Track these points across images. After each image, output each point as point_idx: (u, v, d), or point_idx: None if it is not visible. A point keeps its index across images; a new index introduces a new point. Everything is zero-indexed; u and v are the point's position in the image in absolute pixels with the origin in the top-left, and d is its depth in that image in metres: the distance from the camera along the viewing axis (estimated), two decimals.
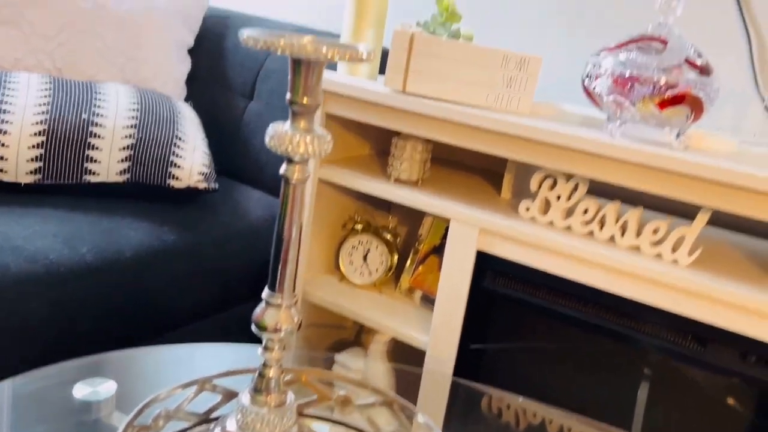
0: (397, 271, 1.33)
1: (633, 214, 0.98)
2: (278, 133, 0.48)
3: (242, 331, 1.22)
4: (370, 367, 1.24)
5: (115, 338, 1.00)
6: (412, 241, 1.35)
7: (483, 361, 1.14)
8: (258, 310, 0.53)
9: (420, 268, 1.30)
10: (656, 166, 0.88)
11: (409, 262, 1.32)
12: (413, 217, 1.42)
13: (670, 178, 0.89)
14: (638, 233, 0.98)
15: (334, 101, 1.14)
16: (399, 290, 1.32)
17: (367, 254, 1.30)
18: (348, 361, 1.30)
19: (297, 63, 0.46)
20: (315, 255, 1.29)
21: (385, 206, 1.44)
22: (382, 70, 1.18)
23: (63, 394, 0.68)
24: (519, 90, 1.02)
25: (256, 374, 0.54)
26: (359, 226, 1.31)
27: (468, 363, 1.11)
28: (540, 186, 1.04)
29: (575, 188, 1.02)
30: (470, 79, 1.02)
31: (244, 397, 0.54)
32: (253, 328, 0.53)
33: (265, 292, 0.53)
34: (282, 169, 0.50)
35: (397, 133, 1.18)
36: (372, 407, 0.65)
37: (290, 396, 0.55)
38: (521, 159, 1.00)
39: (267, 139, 0.49)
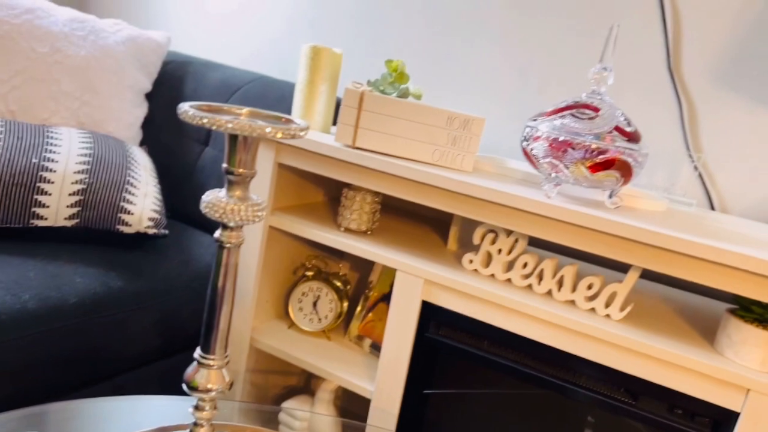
0: (347, 318, 1.35)
1: (569, 270, 1.02)
2: (214, 201, 0.51)
3: (182, 380, 1.21)
4: (316, 417, 1.24)
5: (57, 386, 0.99)
6: (363, 288, 1.37)
7: (427, 408, 1.16)
8: (189, 370, 0.54)
9: (369, 315, 1.32)
10: (589, 226, 0.92)
11: (359, 308, 1.34)
12: (365, 263, 1.45)
13: (602, 238, 0.94)
14: (574, 288, 1.02)
15: (286, 152, 1.17)
16: (348, 337, 1.33)
17: (317, 301, 1.32)
18: (294, 410, 1.30)
19: (234, 137, 0.49)
20: (264, 301, 1.30)
21: (338, 252, 1.46)
22: (336, 121, 1.21)
23: None
24: (463, 148, 1.06)
25: None
26: (310, 273, 1.33)
27: (413, 410, 1.12)
28: (482, 239, 1.08)
29: (515, 242, 1.06)
30: (417, 137, 1.06)
31: None
32: (185, 387, 0.54)
33: (197, 353, 0.54)
34: (217, 234, 0.52)
35: (348, 184, 1.21)
36: None
37: None
38: (464, 214, 1.04)
39: (202, 206, 0.51)
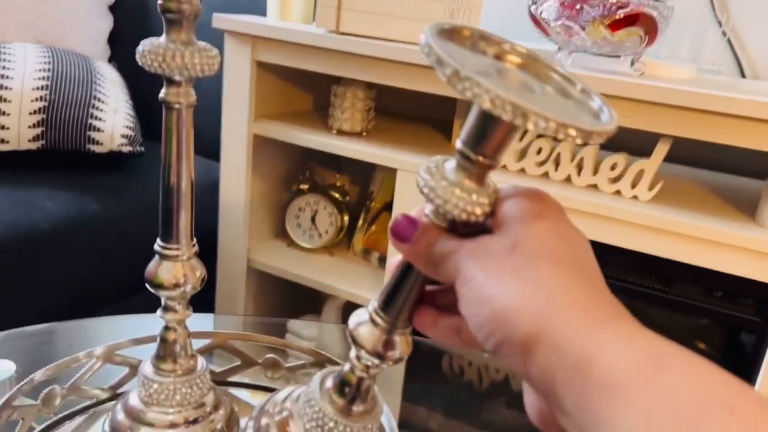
0: (349, 232, 1.26)
1: (588, 151, 0.92)
2: (151, 48, 0.40)
3: None
4: (325, 334, 1.17)
5: (28, 322, 0.91)
6: (364, 200, 1.27)
7: None
8: (150, 265, 0.45)
9: (373, 227, 1.23)
10: (611, 93, 0.81)
11: (361, 221, 1.25)
12: (364, 173, 1.34)
13: (626, 106, 0.82)
14: (595, 171, 0.92)
15: (263, 47, 1.04)
16: (353, 252, 1.25)
17: (315, 215, 1.22)
18: (301, 329, 1.23)
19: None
20: (258, 220, 1.21)
21: (335, 164, 1.36)
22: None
23: None
24: (463, 22, 0.93)
25: (158, 340, 0.46)
26: (305, 186, 1.23)
27: None
28: None
29: None
30: (409, 14, 0.94)
31: (146, 367, 0.46)
32: (148, 286, 0.45)
33: (158, 244, 0.45)
34: (162, 93, 0.42)
35: (337, 81, 1.09)
36: (302, 369, 0.58)
37: (201, 361, 0.48)
38: (466, 97, 0.93)
39: (138, 57, 0.40)
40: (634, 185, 0.89)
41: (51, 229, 0.94)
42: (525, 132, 0.95)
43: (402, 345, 0.34)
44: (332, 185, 1.25)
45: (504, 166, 0.97)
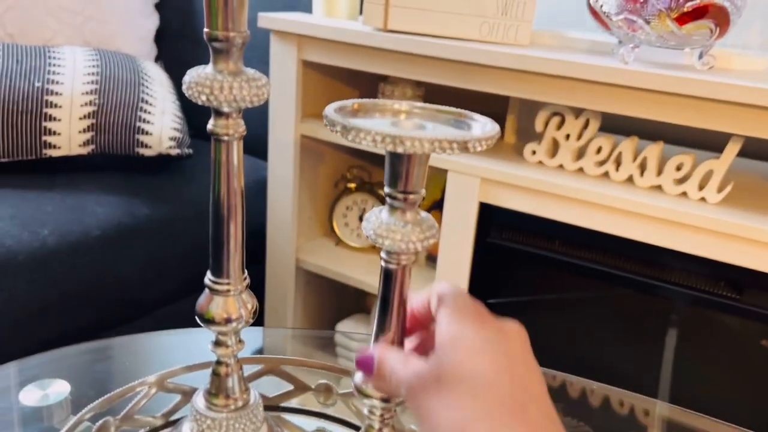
0: None
1: (652, 151, 0.87)
2: (199, 80, 0.38)
3: None
4: None
5: (80, 329, 0.92)
6: None
7: None
8: (201, 299, 0.43)
9: None
10: (678, 92, 0.76)
11: None
12: None
13: (694, 104, 0.77)
14: (659, 171, 0.87)
15: (309, 46, 1.02)
16: None
17: (363, 214, 1.20)
18: (350, 330, 1.22)
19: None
20: (306, 219, 1.20)
21: (380, 161, 1.33)
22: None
23: (10, 400, 0.60)
24: (516, 17, 0.89)
25: (210, 374, 0.45)
26: (352, 185, 1.21)
27: None
28: (546, 125, 0.93)
29: (586, 125, 0.90)
30: (460, 10, 0.90)
31: (199, 401, 0.45)
32: (198, 320, 0.43)
33: (208, 278, 0.43)
34: (210, 125, 0.40)
35: (384, 79, 1.06)
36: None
37: (254, 395, 0.46)
38: (524, 95, 0.89)
39: (184, 88, 0.38)
40: (701, 187, 0.84)
41: (102, 235, 0.95)
42: (582, 130, 0.90)
43: None
44: (380, 183, 1.23)
45: (561, 166, 0.92)
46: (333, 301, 1.31)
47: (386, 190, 0.36)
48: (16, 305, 0.85)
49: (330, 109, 0.36)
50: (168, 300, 1.06)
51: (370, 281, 1.10)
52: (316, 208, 1.22)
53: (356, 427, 0.55)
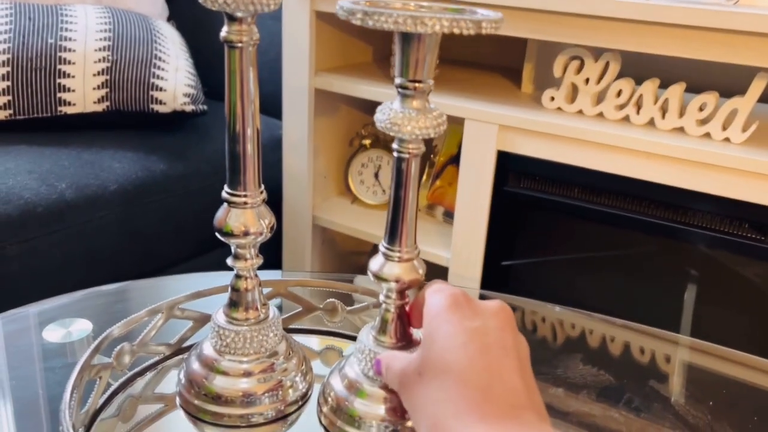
0: None
1: (674, 91, 0.85)
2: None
3: None
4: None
5: (99, 280, 0.92)
6: (428, 154, 1.23)
7: (512, 274, 1.04)
8: (219, 213, 0.43)
9: (437, 181, 1.19)
10: (704, 25, 0.74)
11: (425, 176, 1.21)
12: None
13: (720, 38, 0.75)
14: (681, 113, 0.85)
15: None
16: (418, 207, 1.22)
17: (378, 171, 1.20)
18: (367, 284, 1.21)
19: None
20: (322, 177, 1.19)
21: None
22: None
23: (32, 338, 0.60)
24: None
25: (229, 289, 0.45)
26: (367, 142, 1.20)
27: (496, 277, 1.01)
28: (565, 70, 0.91)
29: (606, 67, 0.88)
30: None
31: (219, 317, 0.45)
32: (217, 234, 0.43)
33: (225, 191, 0.43)
34: (223, 32, 0.39)
35: None
36: (365, 310, 0.57)
37: (273, 310, 0.46)
38: (542, 37, 0.87)
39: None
40: (725, 127, 0.82)
41: (119, 189, 0.95)
42: (603, 71, 0.88)
43: (416, 267, 0.42)
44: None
45: (580, 111, 0.91)
46: (351, 259, 1.30)
47: (397, 81, 0.38)
48: (35, 257, 0.85)
49: (344, 3, 0.36)
50: (184, 257, 1.06)
51: None
52: (331, 166, 1.21)
53: None
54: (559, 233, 1.05)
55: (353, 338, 0.56)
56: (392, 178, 0.41)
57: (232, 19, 0.39)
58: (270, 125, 1.23)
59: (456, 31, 0.34)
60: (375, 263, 0.42)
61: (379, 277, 0.41)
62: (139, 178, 0.97)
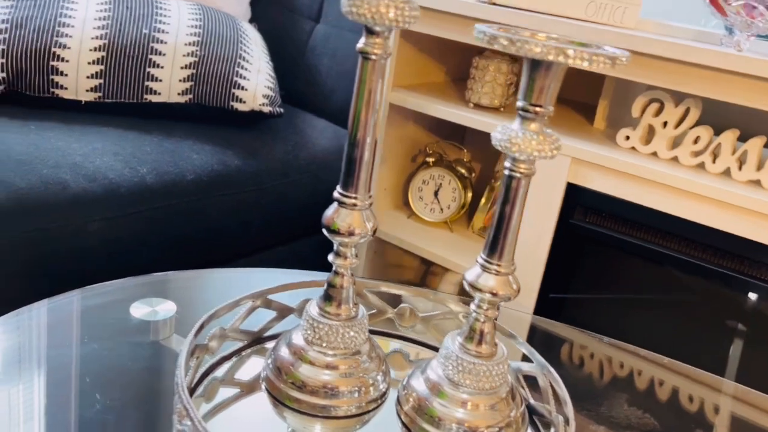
0: (470, 210, 1.24)
1: (753, 144, 0.85)
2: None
3: (301, 267, 1.16)
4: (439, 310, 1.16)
5: (170, 263, 0.95)
6: (487, 179, 1.24)
7: (566, 308, 1.05)
8: (329, 211, 0.45)
9: (495, 207, 1.20)
10: None
11: (483, 200, 1.22)
12: (489, 151, 1.31)
13: None
14: (759, 166, 0.85)
15: None
16: (472, 229, 1.23)
17: (438, 189, 1.21)
18: (414, 302, 1.22)
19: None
20: (382, 189, 1.21)
21: (459, 140, 1.34)
22: None
23: (120, 313, 0.63)
24: None
25: (326, 284, 0.47)
26: (431, 160, 1.22)
27: (550, 306, 1.01)
28: (643, 111, 0.92)
29: (686, 113, 0.89)
30: None
31: (312, 309, 0.47)
32: (324, 231, 0.45)
33: (338, 191, 0.45)
34: (360, 43, 0.41)
35: (480, 52, 1.07)
36: (436, 318, 0.58)
37: (361, 309, 0.48)
38: (626, 77, 0.88)
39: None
40: None
41: (196, 179, 0.98)
42: (683, 116, 0.89)
43: (511, 282, 0.44)
44: (459, 160, 1.23)
45: (654, 153, 0.91)
46: (394, 272, 1.32)
47: (519, 103, 0.41)
48: (114, 236, 0.89)
49: (484, 28, 0.38)
50: (252, 251, 1.09)
51: (440, 254, 1.11)
52: (393, 179, 1.23)
53: (435, 348, 0.57)
54: (618, 271, 1.05)
55: (423, 344, 0.58)
56: (500, 194, 0.42)
57: (371, 32, 0.41)
58: (339, 134, 1.26)
59: (594, 64, 0.35)
60: (471, 273, 0.43)
61: (474, 287, 0.43)
62: (215, 171, 1.01)
